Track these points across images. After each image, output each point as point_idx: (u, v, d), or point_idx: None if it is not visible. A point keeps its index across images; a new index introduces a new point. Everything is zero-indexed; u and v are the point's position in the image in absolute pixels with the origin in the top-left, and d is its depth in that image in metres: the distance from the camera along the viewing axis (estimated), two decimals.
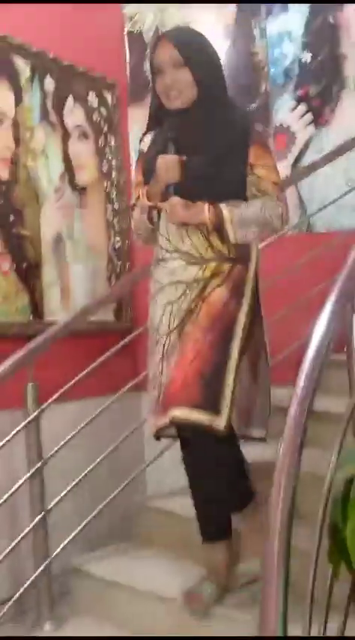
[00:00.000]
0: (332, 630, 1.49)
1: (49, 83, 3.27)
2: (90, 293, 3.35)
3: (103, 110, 3.59)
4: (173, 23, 3.62)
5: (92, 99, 3.52)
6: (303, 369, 1.58)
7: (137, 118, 3.74)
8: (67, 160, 3.34)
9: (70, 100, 3.38)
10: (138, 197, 2.20)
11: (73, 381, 2.65)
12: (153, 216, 2.16)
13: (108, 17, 3.69)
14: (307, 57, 3.57)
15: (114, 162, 3.63)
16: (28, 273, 3.06)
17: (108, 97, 3.61)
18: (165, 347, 2.11)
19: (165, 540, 2.57)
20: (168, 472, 2.66)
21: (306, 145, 3.57)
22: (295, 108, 3.58)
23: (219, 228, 2.08)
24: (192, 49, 2.10)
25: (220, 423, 1.97)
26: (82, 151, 3.45)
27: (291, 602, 1.20)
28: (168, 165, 2.06)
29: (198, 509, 2.14)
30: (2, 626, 2.50)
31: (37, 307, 3.08)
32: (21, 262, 3.03)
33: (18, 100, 3.09)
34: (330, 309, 1.67)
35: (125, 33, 3.85)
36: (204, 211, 2.06)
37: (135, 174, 2.30)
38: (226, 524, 2.16)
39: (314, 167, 3.39)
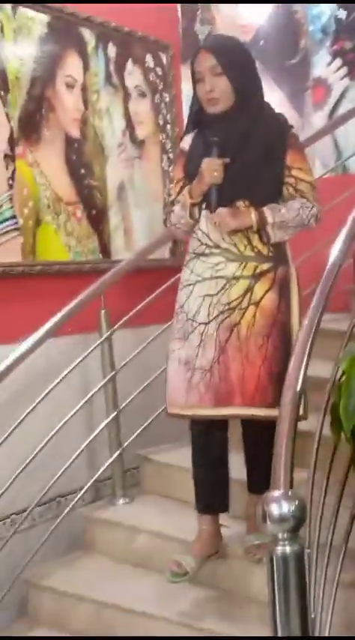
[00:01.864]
0: (333, 491, 2.00)
1: (112, 49, 3.72)
2: (149, 234, 3.85)
3: (159, 70, 4.03)
4: None
5: (149, 60, 3.96)
6: (317, 291, 2.09)
7: (188, 76, 4.16)
8: (127, 117, 3.82)
9: (130, 63, 3.84)
10: (179, 193, 2.37)
11: (135, 309, 3.19)
12: (194, 213, 2.32)
13: None
14: (342, 14, 3.92)
15: (168, 117, 4.08)
16: (97, 219, 3.58)
17: (163, 57, 4.04)
18: (203, 335, 2.29)
19: None
20: None
21: (342, 96, 3.95)
22: (331, 62, 3.95)
23: (260, 230, 2.25)
24: (230, 58, 2.25)
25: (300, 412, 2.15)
26: (141, 108, 3.92)
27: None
28: (213, 167, 2.21)
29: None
30: (84, 507, 3.11)
31: (105, 248, 3.61)
32: (91, 209, 3.55)
33: (86, 67, 3.56)
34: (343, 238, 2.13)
35: None
36: (251, 217, 2.23)
37: (175, 170, 2.48)
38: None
39: (348, 116, 3.78)
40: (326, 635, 1.87)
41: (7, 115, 3.14)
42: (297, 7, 3.99)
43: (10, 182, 3.13)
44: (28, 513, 2.83)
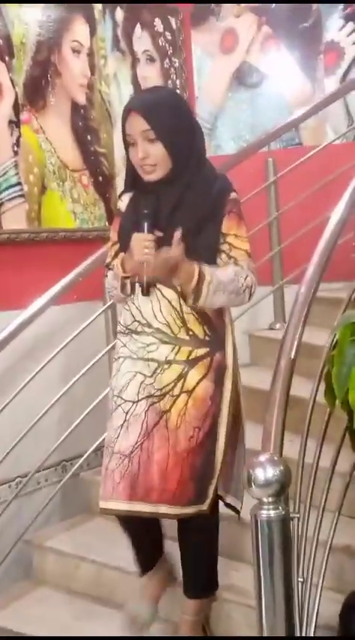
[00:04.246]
0: (327, 456, 2.01)
1: (119, 13, 3.69)
2: None
3: (168, 34, 3.99)
4: None
5: (158, 25, 3.92)
6: (313, 259, 2.09)
7: (199, 40, 4.13)
8: (135, 82, 3.79)
9: (138, 27, 3.80)
10: (113, 257, 2.14)
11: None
12: (126, 288, 2.08)
13: None
14: None
15: (178, 82, 4.04)
16: (104, 186, 3.58)
17: (173, 22, 4.00)
18: (128, 414, 2.06)
19: None
20: None
21: (354, 61, 3.89)
22: (344, 26, 3.89)
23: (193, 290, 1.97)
24: (164, 121, 1.97)
25: (204, 507, 2.03)
26: (150, 73, 3.89)
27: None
28: (144, 244, 1.96)
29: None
30: (88, 472, 3.15)
31: (111, 215, 3.60)
32: (98, 176, 3.54)
33: (92, 32, 3.53)
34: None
35: None
36: (194, 267, 1.96)
37: (111, 231, 2.21)
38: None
39: None
40: (317, 599, 1.90)
41: (11, 80, 3.13)
42: None
43: (15, 148, 3.13)
44: (30, 476, 2.88)
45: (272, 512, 1.47)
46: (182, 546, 2.19)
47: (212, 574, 2.22)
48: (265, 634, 1.51)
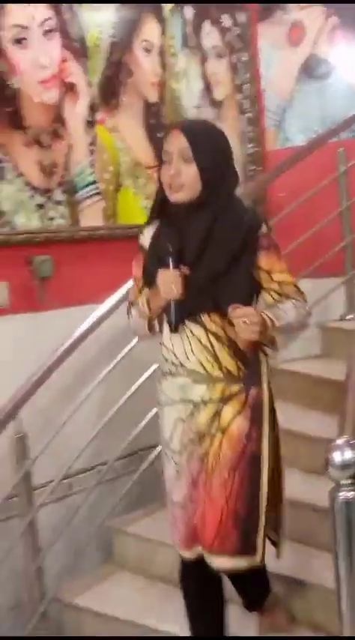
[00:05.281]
0: None
1: (189, 11, 3.75)
2: None
3: (236, 29, 4.02)
4: None
5: (226, 20, 3.96)
6: None
7: (265, 34, 4.15)
8: (205, 78, 3.85)
9: (207, 23, 3.85)
10: (138, 295, 2.10)
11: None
12: (154, 327, 2.07)
13: None
14: None
15: (246, 77, 4.08)
16: None
17: (240, 17, 4.03)
18: (177, 465, 2.04)
19: (295, 395, 3.19)
20: None
21: None
22: None
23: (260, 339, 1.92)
24: (203, 144, 1.95)
25: (256, 560, 1.98)
26: (218, 69, 3.94)
27: None
28: (170, 280, 1.92)
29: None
30: None
31: None
32: None
33: (163, 30, 3.61)
34: None
35: None
36: (268, 324, 1.90)
37: (134, 267, 2.15)
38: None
39: None
40: None
41: (87, 81, 3.24)
42: None
43: (91, 148, 3.24)
44: (110, 464, 2.97)
45: (349, 494, 1.51)
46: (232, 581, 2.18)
47: (263, 595, 2.27)
48: (345, 615, 1.55)
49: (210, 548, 1.97)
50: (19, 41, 2.98)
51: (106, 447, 3.01)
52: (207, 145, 1.96)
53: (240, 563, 1.96)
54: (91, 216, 3.24)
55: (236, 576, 2.10)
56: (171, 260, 1.92)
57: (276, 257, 2.00)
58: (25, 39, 3.00)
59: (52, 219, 3.11)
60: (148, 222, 2.10)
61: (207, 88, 3.86)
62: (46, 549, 2.72)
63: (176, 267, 1.92)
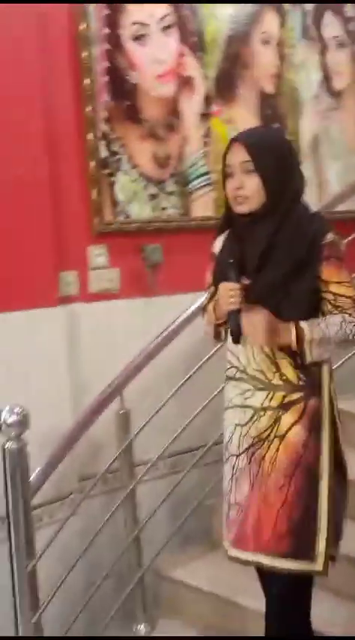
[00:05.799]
0: None
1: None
2: (345, 185, 3.87)
3: None
4: None
5: (348, 9, 3.92)
6: None
7: None
8: (324, 69, 3.84)
9: (328, 14, 3.84)
10: (209, 300, 2.15)
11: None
12: (220, 333, 2.15)
13: None
14: None
15: None
16: None
17: None
18: (235, 468, 2.08)
19: None
20: None
21: None
22: None
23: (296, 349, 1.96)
24: (264, 155, 1.97)
25: (316, 567, 1.96)
26: (339, 59, 3.91)
27: None
28: (229, 293, 1.96)
29: None
30: None
31: None
32: None
33: (282, 22, 3.64)
34: None
35: None
36: (292, 334, 1.95)
37: (207, 274, 2.20)
38: None
39: None
40: None
41: (204, 75, 3.33)
42: None
43: (205, 140, 3.34)
44: (208, 447, 3.05)
45: None
46: (268, 606, 2.12)
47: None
48: None
49: (265, 548, 1.99)
50: (138, 38, 3.12)
51: (208, 428, 3.11)
52: (268, 154, 1.98)
53: (290, 564, 1.97)
54: (203, 207, 3.34)
55: (285, 596, 2.06)
56: (231, 271, 1.97)
57: (335, 268, 1.98)
58: (144, 36, 3.13)
59: (164, 209, 3.24)
60: (219, 232, 2.15)
61: (326, 78, 3.85)
62: (146, 522, 2.87)
63: (237, 279, 1.96)
